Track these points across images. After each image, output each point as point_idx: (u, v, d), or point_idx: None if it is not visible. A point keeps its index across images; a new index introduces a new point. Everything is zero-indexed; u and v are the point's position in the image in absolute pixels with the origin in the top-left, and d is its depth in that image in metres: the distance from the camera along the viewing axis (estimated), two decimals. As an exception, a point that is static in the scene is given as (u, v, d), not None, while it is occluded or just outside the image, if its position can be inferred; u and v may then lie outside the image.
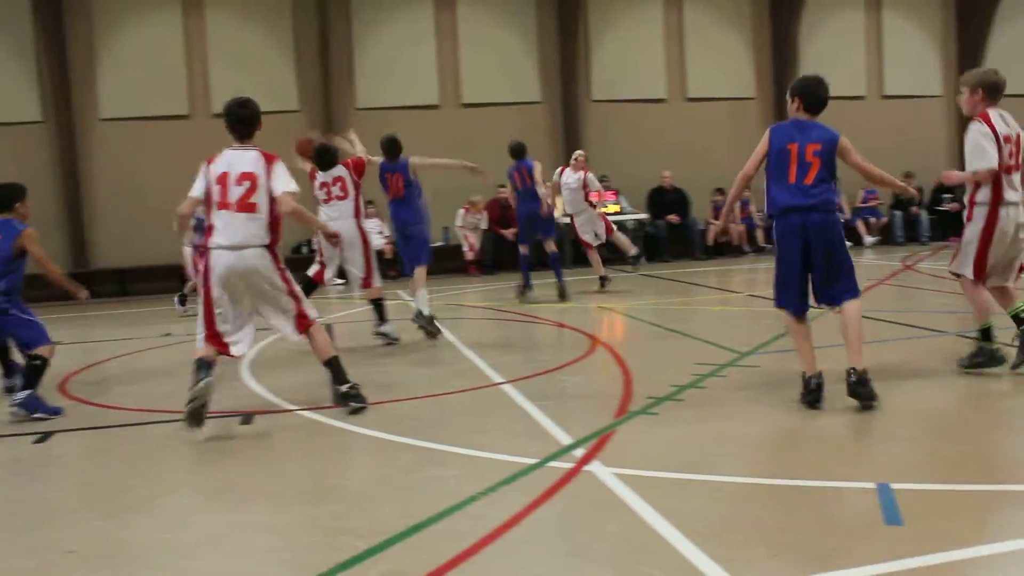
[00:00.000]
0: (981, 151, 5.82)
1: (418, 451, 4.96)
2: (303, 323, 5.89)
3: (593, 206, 12.56)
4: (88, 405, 6.80)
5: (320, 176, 8.70)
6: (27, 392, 6.23)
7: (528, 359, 7.84)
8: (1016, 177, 5.94)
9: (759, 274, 14.14)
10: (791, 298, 5.50)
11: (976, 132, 5.88)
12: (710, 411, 5.52)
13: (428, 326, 8.97)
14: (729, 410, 5.52)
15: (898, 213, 18.68)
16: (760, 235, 17.83)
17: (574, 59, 18.06)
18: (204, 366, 5.43)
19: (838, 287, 5.42)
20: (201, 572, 3.47)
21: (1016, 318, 6.01)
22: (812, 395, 5.38)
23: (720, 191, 17.28)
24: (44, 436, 5.79)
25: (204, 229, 5.88)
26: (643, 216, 17.67)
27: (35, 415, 6.20)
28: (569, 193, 12.49)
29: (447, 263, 16.29)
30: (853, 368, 5.26)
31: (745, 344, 7.44)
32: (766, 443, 4.99)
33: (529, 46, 18.07)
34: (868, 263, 14.84)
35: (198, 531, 3.92)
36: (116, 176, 16.46)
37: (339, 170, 8.67)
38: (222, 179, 5.61)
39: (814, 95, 5.47)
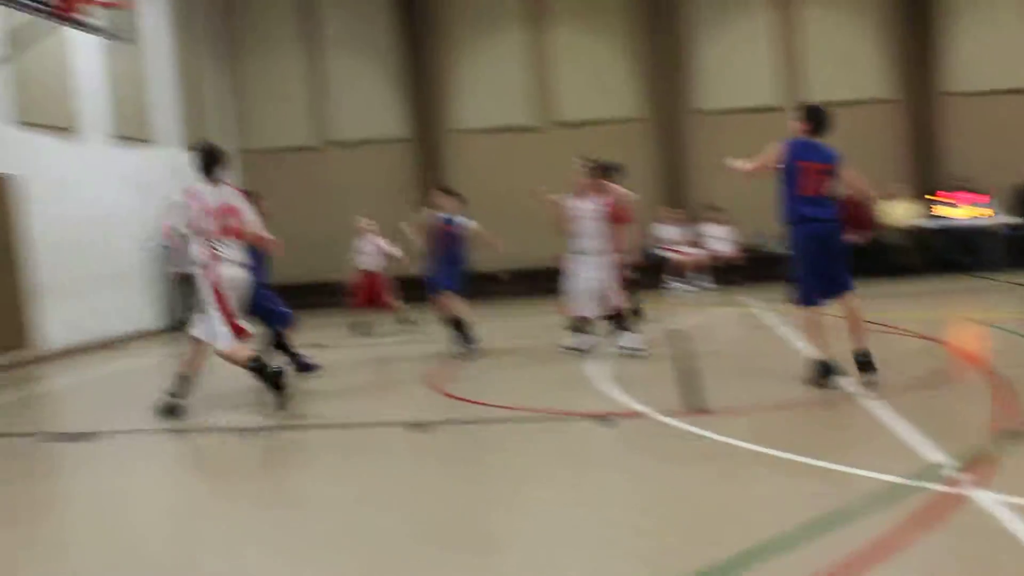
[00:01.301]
0: None
1: (776, 461, 4.80)
2: None
3: None
4: (455, 400, 7.32)
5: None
6: None
7: (887, 370, 7.32)
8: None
9: None
10: (819, 292, 6.53)
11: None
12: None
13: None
14: None
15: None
16: None
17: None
18: None
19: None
20: (568, 565, 3.58)
21: None
22: (829, 377, 6.43)
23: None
24: (421, 426, 6.30)
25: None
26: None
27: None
28: None
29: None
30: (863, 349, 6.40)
31: None
32: None
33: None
34: None
35: (558, 525, 4.06)
36: (472, 185, 17.62)
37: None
38: None
39: None
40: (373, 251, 12.51)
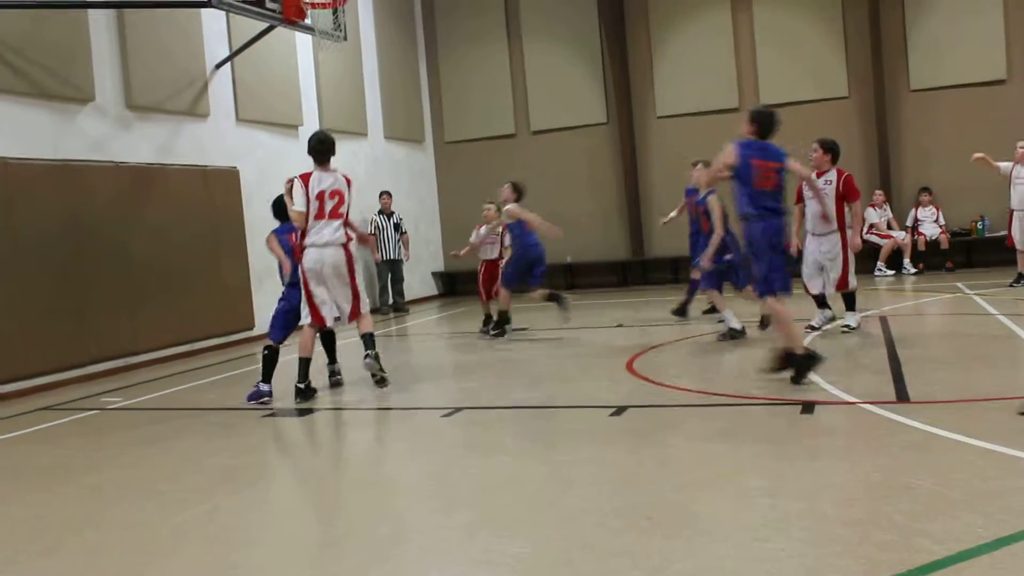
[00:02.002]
0: None
1: (999, 458, 4.53)
2: None
3: None
4: (652, 384, 7.34)
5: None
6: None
7: None
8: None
9: None
10: (783, 281, 6.83)
11: None
12: None
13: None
14: None
15: None
16: None
17: None
18: None
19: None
20: (772, 554, 3.53)
21: None
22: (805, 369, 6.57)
23: None
24: (619, 410, 6.38)
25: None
26: None
27: None
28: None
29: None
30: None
31: None
32: None
33: None
34: None
35: (768, 515, 4.00)
36: (669, 170, 17.50)
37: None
38: None
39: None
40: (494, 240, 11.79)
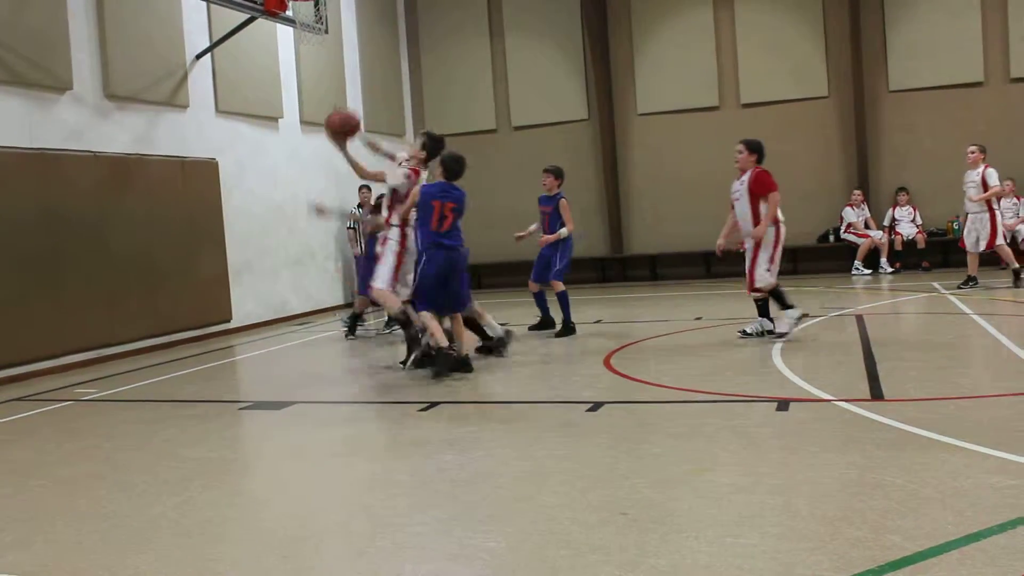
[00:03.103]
0: None
1: (970, 455, 4.58)
2: None
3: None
4: (630, 380, 7.37)
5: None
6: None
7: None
8: None
9: None
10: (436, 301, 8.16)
11: None
12: None
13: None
14: None
15: None
16: None
17: None
18: None
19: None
20: (744, 550, 3.56)
21: None
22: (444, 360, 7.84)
23: None
24: (596, 406, 6.40)
25: None
26: None
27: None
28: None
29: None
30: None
31: None
32: None
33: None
34: None
35: (739, 510, 4.03)
36: (650, 168, 17.56)
37: None
38: None
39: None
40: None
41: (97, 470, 5.65)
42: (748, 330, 8.95)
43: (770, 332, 8.79)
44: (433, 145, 8.74)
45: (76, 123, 10.61)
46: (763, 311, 8.91)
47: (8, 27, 9.71)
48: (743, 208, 8.75)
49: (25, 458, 6.13)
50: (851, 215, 15.81)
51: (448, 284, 8.16)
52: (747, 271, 8.77)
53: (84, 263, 10.42)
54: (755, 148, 8.83)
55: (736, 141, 8.93)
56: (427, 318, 8.07)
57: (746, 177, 8.75)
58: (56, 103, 10.37)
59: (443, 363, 7.85)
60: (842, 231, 16.03)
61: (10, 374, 9.50)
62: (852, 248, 15.82)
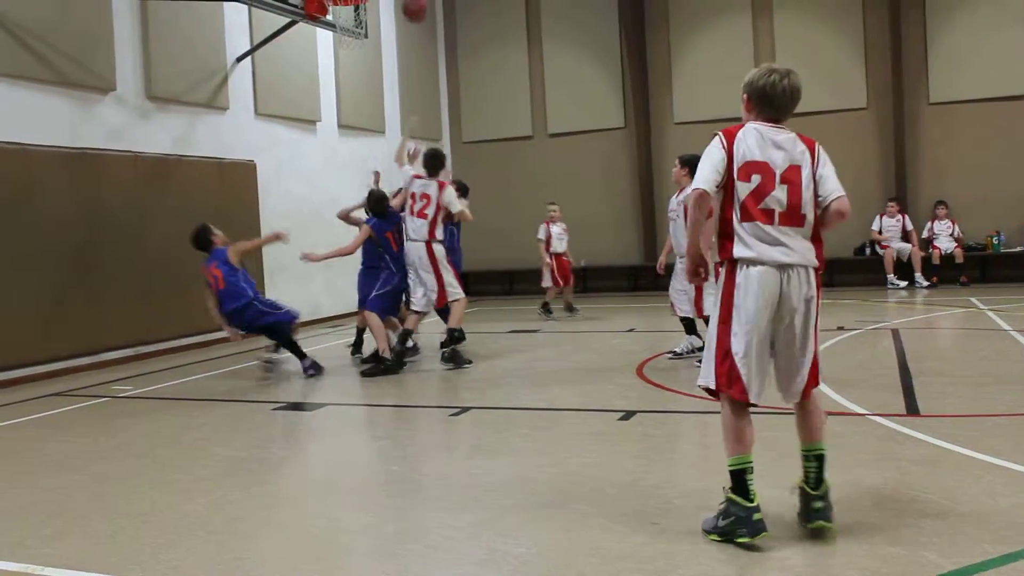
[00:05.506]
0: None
1: (1007, 473, 4.51)
2: None
3: None
4: (662, 389, 7.33)
5: None
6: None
7: None
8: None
9: None
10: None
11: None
12: None
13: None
14: None
15: None
16: None
17: None
18: None
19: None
20: (777, 563, 3.53)
21: None
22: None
23: None
24: (628, 415, 6.38)
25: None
26: None
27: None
28: None
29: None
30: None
31: None
32: None
33: None
34: None
35: (775, 525, 3.95)
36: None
37: None
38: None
39: None
40: (561, 234, 13.36)
41: (133, 466, 5.73)
42: (678, 350, 8.84)
43: (699, 349, 8.34)
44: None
45: (118, 123, 10.77)
46: (690, 328, 8.76)
47: (53, 29, 9.89)
48: (679, 229, 8.27)
49: (63, 452, 6.22)
50: (876, 224, 15.65)
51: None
52: (692, 296, 8.30)
53: (123, 262, 10.57)
54: (687, 162, 8.12)
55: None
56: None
57: (683, 195, 8.02)
58: (99, 104, 10.53)
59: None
60: (877, 243, 15.89)
61: (50, 369, 9.66)
62: (889, 260, 15.64)
